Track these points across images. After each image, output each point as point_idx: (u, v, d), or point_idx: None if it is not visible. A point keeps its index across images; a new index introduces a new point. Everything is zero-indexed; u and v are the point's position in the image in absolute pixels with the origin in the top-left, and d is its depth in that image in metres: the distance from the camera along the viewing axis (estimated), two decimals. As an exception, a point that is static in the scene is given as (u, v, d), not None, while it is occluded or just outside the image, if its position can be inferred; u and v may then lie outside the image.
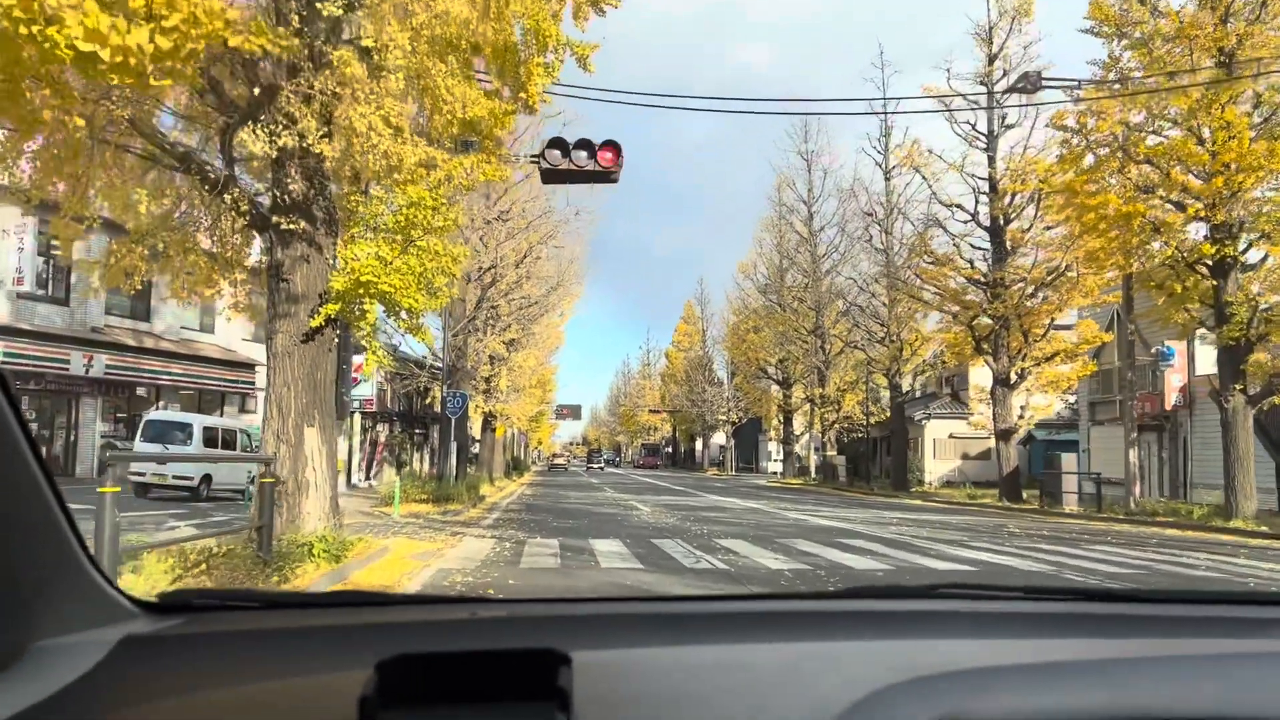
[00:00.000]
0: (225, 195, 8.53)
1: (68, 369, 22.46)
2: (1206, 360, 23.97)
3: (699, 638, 1.26)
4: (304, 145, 8.04)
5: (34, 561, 1.07)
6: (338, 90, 7.99)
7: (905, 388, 36.53)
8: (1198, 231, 18.81)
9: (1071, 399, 34.08)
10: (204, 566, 6.36)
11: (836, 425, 42.82)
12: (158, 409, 24.22)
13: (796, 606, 1.53)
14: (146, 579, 6.08)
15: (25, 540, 1.05)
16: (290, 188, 8.76)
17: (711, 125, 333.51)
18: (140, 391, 25.94)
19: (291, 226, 8.80)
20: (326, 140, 8.00)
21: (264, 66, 8.02)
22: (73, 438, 23.46)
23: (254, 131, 7.67)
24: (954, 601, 1.50)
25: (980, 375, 34.58)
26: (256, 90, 7.70)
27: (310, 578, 7.49)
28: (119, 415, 25.14)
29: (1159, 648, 1.29)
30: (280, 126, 7.93)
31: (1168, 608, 1.56)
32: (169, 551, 6.50)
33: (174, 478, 18.43)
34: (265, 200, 9.54)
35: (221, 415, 26.89)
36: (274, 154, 8.11)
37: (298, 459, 9.02)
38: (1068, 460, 24.92)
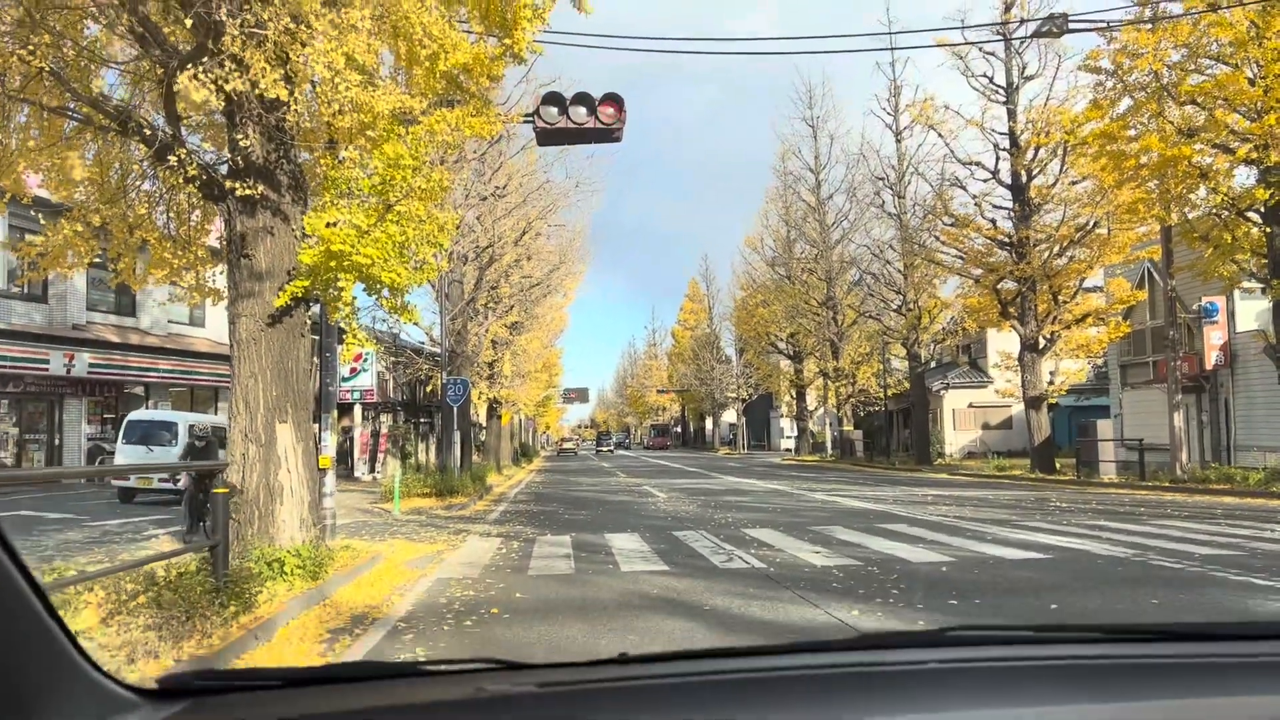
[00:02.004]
0: (169, 157, 7.31)
1: (48, 369, 21.30)
2: (1247, 317, 22.68)
3: (718, 709, 1.19)
4: (257, 92, 6.82)
5: (17, 658, 1.03)
6: (290, 27, 6.76)
7: (923, 357, 35.22)
8: (1247, 177, 17.51)
9: (1099, 362, 32.74)
10: (142, 600, 5.21)
11: (852, 399, 41.58)
12: (148, 408, 23.16)
13: (809, 661, 1.40)
14: (73, 619, 4.97)
15: (5, 637, 1.01)
16: (246, 147, 7.54)
17: (712, 97, 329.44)
18: (137, 390, 24.82)
19: (250, 192, 7.58)
20: (282, 84, 6.76)
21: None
22: (57, 441, 22.33)
23: (194, 77, 6.39)
24: (965, 649, 1.41)
25: (1001, 341, 33.29)
26: (189, 21, 6.43)
27: (280, 602, 6.34)
28: (106, 416, 24.00)
29: (1205, 710, 1.10)
30: (228, 71, 6.70)
31: (1212, 646, 1.31)
32: (101, 582, 5.36)
33: (160, 481, 17.32)
34: (227, 172, 8.33)
35: (216, 413, 25.77)
36: (219, 104, 6.89)
37: (269, 460, 7.85)
38: (1103, 427, 23.66)
